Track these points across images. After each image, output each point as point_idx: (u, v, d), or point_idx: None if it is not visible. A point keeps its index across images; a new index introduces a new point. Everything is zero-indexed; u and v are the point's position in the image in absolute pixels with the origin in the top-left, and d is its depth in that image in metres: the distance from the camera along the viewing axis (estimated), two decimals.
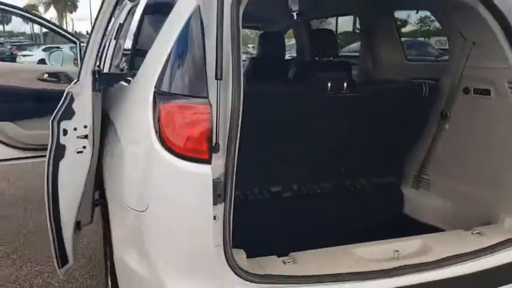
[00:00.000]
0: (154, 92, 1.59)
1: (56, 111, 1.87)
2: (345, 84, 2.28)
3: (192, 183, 1.51)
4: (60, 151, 1.93)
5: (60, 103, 1.88)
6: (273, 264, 1.73)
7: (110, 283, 2.12)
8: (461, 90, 2.34)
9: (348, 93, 2.29)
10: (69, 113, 1.90)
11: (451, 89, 2.39)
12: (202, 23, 1.54)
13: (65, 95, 1.90)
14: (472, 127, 2.31)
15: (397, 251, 1.82)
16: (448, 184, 2.48)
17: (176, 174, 1.52)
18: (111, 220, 1.95)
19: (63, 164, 1.93)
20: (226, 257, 1.55)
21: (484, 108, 2.22)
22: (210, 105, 1.48)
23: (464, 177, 2.33)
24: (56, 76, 4.17)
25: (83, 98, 1.92)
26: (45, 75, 4.13)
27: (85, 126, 1.94)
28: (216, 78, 1.44)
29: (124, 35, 3.51)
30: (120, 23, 3.61)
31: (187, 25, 1.58)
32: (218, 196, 1.51)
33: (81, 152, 1.96)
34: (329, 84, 2.26)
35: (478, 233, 1.98)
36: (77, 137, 1.93)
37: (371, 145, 2.51)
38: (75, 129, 1.91)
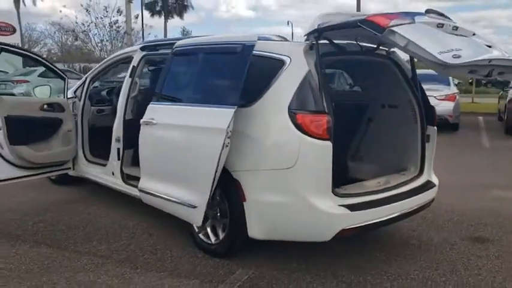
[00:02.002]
0: (289, 109, 3.28)
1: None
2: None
3: (321, 149, 3.24)
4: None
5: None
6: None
7: (231, 223, 3.61)
8: (380, 105, 4.50)
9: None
10: None
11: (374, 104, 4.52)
12: (311, 78, 3.31)
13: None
14: (386, 125, 4.47)
15: (379, 182, 3.83)
16: (376, 154, 4.54)
17: (313, 145, 3.22)
18: (244, 183, 3.47)
19: (223, 152, 3.36)
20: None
21: (393, 115, 4.40)
22: (326, 113, 3.26)
23: (383, 150, 4.45)
24: (51, 106, 5.13)
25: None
26: (45, 106, 5.07)
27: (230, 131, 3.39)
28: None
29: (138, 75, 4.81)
30: (133, 66, 4.85)
31: (306, 76, 3.31)
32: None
33: (227, 146, 3.41)
34: None
35: (403, 174, 4.12)
36: (228, 137, 3.37)
37: None
38: (227, 132, 3.36)
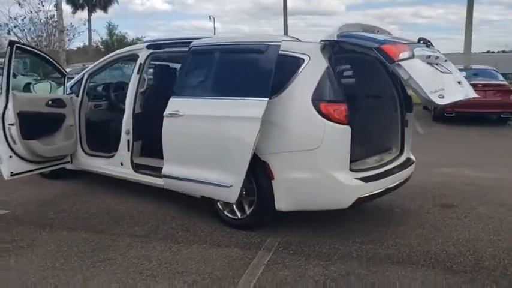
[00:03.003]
0: (313, 99, 3.92)
1: None
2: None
3: (341, 132, 3.90)
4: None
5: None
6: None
7: (259, 198, 4.18)
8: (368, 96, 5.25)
9: None
10: None
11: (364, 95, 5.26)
12: (329, 73, 3.97)
13: None
14: (374, 112, 5.22)
15: (376, 160, 4.60)
16: (369, 137, 5.19)
17: (335, 129, 3.88)
18: (273, 164, 4.05)
19: (257, 137, 3.92)
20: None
21: (378, 104, 5.17)
22: (344, 102, 3.93)
23: (373, 133, 5.15)
24: (55, 102, 5.37)
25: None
26: (50, 102, 5.31)
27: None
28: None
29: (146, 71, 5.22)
30: (140, 63, 5.22)
31: (326, 72, 3.97)
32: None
33: (260, 132, 3.97)
34: None
35: (390, 153, 4.92)
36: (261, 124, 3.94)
37: None
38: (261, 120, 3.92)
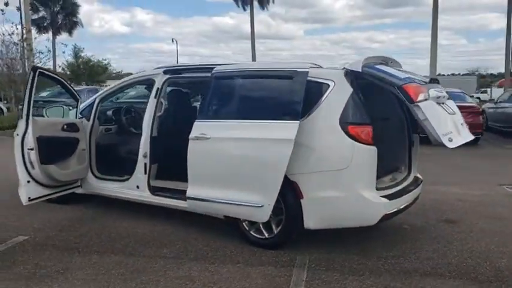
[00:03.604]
0: (340, 122, 4.16)
1: None
2: None
3: (369, 152, 4.14)
4: None
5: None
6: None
7: (287, 217, 4.34)
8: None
9: None
10: None
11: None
12: (354, 97, 4.23)
13: None
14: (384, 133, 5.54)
15: (390, 179, 4.86)
16: (381, 157, 5.50)
17: (363, 149, 4.11)
18: (301, 183, 4.23)
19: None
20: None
21: (388, 126, 5.47)
22: (370, 124, 4.19)
23: (385, 154, 5.43)
24: (69, 126, 5.41)
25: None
26: (65, 126, 5.34)
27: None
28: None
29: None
30: (157, 88, 5.33)
31: (351, 97, 4.22)
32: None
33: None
34: None
35: (400, 172, 5.20)
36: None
37: None
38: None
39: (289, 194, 4.32)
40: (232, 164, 4.44)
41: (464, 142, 4.42)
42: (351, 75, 4.36)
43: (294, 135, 4.03)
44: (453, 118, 4.46)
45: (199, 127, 4.62)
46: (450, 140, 4.11)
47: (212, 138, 4.52)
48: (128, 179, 5.48)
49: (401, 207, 4.47)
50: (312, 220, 4.30)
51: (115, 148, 5.97)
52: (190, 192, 4.71)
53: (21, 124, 4.86)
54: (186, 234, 4.93)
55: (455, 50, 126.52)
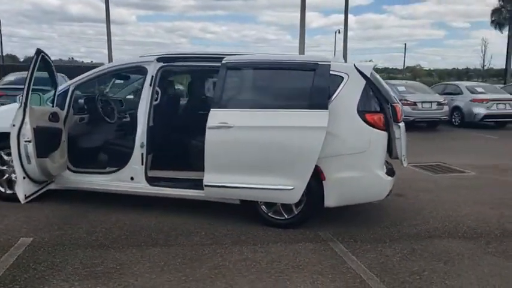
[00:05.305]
0: (358, 110, 4.71)
1: None
2: None
3: (383, 136, 4.77)
4: None
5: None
6: None
7: (310, 198, 4.74)
8: None
9: None
10: None
11: None
12: (368, 88, 4.82)
13: None
14: None
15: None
16: None
17: (378, 134, 4.72)
18: (324, 166, 4.66)
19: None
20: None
21: None
22: (383, 112, 4.82)
23: None
24: (54, 116, 5.03)
25: None
26: (50, 116, 4.95)
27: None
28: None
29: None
30: (152, 76, 5.20)
31: (365, 87, 4.79)
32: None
33: None
34: None
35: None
36: None
37: None
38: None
39: (313, 176, 4.72)
40: (260, 151, 4.65)
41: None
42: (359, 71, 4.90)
43: (326, 122, 4.46)
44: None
45: (219, 116, 4.71)
46: (405, 160, 5.18)
47: (235, 126, 4.66)
48: (116, 171, 5.25)
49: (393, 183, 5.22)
50: (332, 199, 4.78)
51: (94, 139, 5.61)
52: (208, 180, 4.78)
53: (19, 113, 4.36)
54: (197, 222, 4.96)
55: (282, 45, 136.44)
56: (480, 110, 15.23)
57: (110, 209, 5.27)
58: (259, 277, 3.69)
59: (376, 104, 4.85)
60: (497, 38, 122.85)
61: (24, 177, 4.50)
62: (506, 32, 44.15)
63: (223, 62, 4.88)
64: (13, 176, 5.29)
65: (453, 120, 15.95)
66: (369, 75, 4.84)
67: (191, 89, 6.95)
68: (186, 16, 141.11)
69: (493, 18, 45.42)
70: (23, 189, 4.46)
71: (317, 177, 4.73)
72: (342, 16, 32.25)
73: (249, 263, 3.95)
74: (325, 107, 4.53)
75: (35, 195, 4.78)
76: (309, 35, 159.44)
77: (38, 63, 4.39)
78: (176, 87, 6.19)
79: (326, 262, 4.03)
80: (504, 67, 43.81)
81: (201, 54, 5.36)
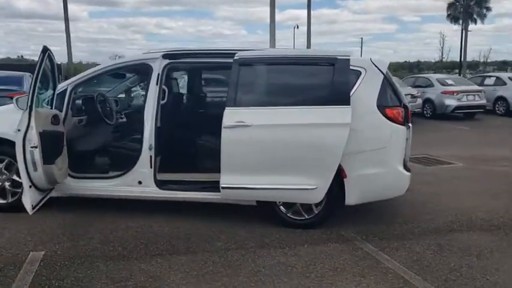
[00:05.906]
0: (378, 105, 4.61)
1: None
2: None
3: (402, 131, 4.67)
4: None
5: None
6: None
7: (331, 195, 4.60)
8: None
9: None
10: None
11: None
12: (386, 82, 4.73)
13: None
14: None
15: None
16: None
17: (398, 129, 4.63)
18: (345, 164, 4.53)
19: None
20: None
21: None
22: (402, 107, 4.74)
23: None
24: (55, 119, 4.69)
25: None
26: (52, 119, 4.62)
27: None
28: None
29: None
30: (158, 73, 4.91)
31: (383, 82, 4.69)
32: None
33: None
34: None
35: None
36: None
37: None
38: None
39: (334, 174, 4.59)
40: (281, 150, 4.47)
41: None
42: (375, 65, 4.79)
43: (349, 119, 4.33)
44: None
45: (234, 114, 4.50)
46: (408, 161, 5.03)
47: (254, 125, 4.46)
48: (121, 175, 4.96)
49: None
50: (353, 197, 4.67)
51: (95, 141, 5.27)
52: (225, 181, 4.56)
53: (24, 117, 4.00)
54: (212, 226, 4.74)
55: (237, 40, 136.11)
56: (451, 102, 15.57)
57: (115, 216, 4.97)
58: (301, 283, 3.54)
59: (395, 98, 4.76)
60: (450, 32, 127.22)
61: (30, 186, 4.14)
62: (459, 25, 45.74)
63: (235, 58, 4.66)
64: (6, 184, 4.93)
65: (425, 112, 16.24)
66: (385, 70, 4.75)
67: (199, 87, 6.69)
68: (141, 12, 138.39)
69: (448, 12, 46.91)
70: (30, 199, 4.11)
71: (338, 175, 4.59)
72: (297, 11, 32.32)
73: (285, 268, 3.79)
74: (348, 102, 4.39)
75: (40, 205, 4.43)
76: (265, 31, 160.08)
77: (44, 62, 4.04)
78: (183, 85, 5.88)
79: (362, 263, 3.92)
80: (459, 60, 45.34)
81: (210, 50, 5.13)
